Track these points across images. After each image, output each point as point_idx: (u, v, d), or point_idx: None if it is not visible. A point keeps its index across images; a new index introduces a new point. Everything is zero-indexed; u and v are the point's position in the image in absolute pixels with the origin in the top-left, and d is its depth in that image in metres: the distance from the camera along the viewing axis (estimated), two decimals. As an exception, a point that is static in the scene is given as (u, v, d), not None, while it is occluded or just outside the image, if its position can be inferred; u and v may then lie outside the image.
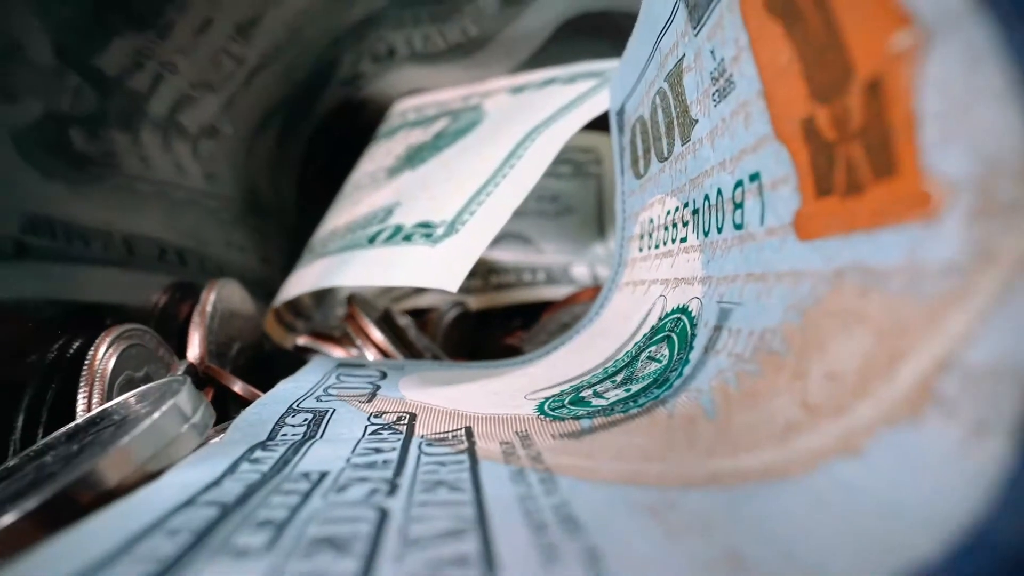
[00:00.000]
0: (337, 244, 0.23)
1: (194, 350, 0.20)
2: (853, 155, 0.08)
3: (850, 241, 0.08)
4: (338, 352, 0.22)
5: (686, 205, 0.14)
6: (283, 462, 0.10)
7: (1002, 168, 0.06)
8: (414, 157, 0.26)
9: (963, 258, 0.06)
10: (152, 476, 0.10)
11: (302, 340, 0.23)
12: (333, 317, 0.30)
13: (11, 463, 0.13)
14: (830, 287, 0.09)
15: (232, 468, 0.10)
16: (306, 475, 0.10)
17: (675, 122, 0.14)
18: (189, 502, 0.09)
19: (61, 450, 0.12)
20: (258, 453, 0.11)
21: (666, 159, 0.16)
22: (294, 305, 0.27)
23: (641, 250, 0.18)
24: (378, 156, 0.29)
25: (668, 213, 0.16)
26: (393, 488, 0.09)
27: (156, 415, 0.11)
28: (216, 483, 0.09)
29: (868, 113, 0.08)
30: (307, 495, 0.09)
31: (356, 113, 0.34)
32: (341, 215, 0.26)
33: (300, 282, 0.23)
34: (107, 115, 0.22)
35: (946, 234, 0.07)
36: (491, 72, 0.31)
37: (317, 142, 0.34)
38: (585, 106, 0.22)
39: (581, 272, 0.30)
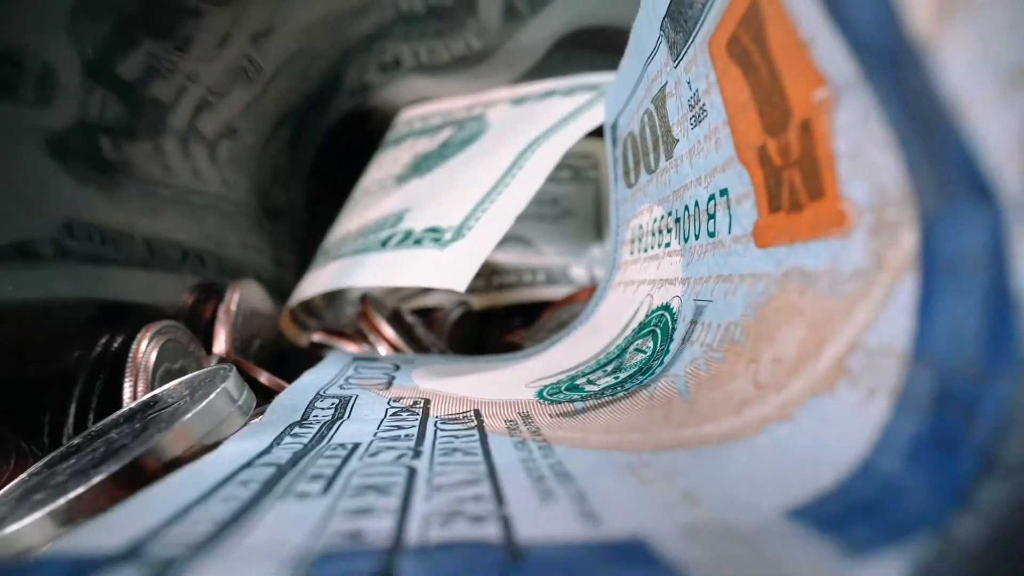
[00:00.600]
0: (351, 247, 0.25)
1: (220, 345, 0.22)
2: (794, 180, 0.10)
3: (793, 249, 0.10)
4: (351, 347, 0.24)
5: (670, 214, 0.16)
6: (319, 436, 0.12)
7: (889, 198, 0.08)
8: (421, 166, 0.28)
9: (865, 265, 0.08)
10: (207, 449, 0.12)
11: (317, 337, 0.25)
12: (343, 316, 0.32)
13: (75, 442, 0.15)
14: (778, 287, 0.11)
15: (277, 440, 0.12)
16: (342, 445, 0.12)
17: (660, 140, 0.16)
18: (248, 464, 0.11)
19: (124, 429, 0.14)
20: (296, 430, 0.13)
21: (653, 172, 0.18)
22: (307, 305, 0.29)
23: (632, 253, 0.20)
24: (386, 164, 0.31)
25: (655, 220, 0.18)
26: (417, 454, 0.11)
27: (211, 397, 0.13)
28: (267, 451, 0.11)
29: (803, 147, 0.10)
30: (346, 459, 0.11)
31: (363, 121, 0.36)
32: (353, 220, 0.28)
33: (316, 283, 0.25)
34: (132, 124, 0.24)
35: (855, 246, 0.09)
36: (493, 83, 0.33)
37: (326, 149, 0.36)
38: (582, 119, 0.24)
39: (579, 273, 0.32)
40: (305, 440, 0.12)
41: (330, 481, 0.09)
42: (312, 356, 0.26)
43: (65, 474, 0.12)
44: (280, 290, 0.30)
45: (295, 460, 0.11)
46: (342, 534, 0.07)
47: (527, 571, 0.06)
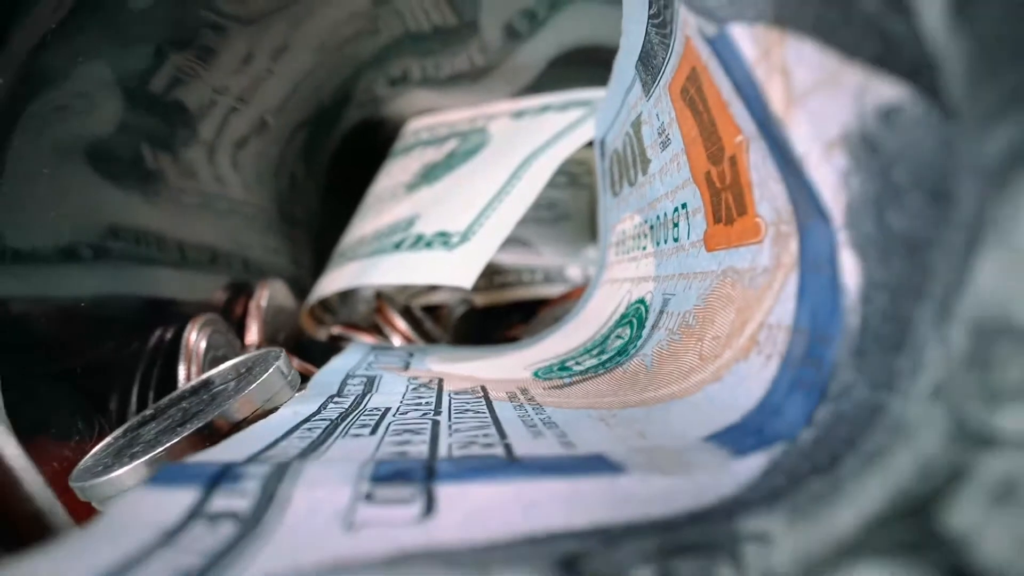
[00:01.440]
0: (366, 249, 0.29)
1: (252, 336, 0.25)
2: (728, 199, 0.13)
3: (728, 253, 0.14)
4: (367, 339, 0.28)
5: (646, 221, 0.20)
6: (356, 403, 0.16)
7: (782, 216, 0.11)
8: (429, 175, 0.31)
9: (770, 264, 0.12)
10: (266, 414, 0.16)
11: (336, 330, 0.28)
12: (356, 313, 0.35)
13: (147, 413, 0.18)
14: (718, 281, 0.14)
15: (323, 406, 0.15)
16: (376, 408, 0.15)
17: (638, 158, 0.20)
18: (306, 420, 0.14)
19: (192, 400, 0.17)
20: (336, 400, 0.16)
21: (633, 185, 0.21)
22: (324, 302, 0.32)
23: (616, 255, 0.23)
24: (395, 172, 0.35)
25: (635, 227, 0.21)
26: (437, 413, 0.14)
27: (268, 373, 0.16)
28: (316, 413, 0.15)
29: (732, 176, 0.13)
30: (382, 416, 0.14)
31: (373, 131, 0.40)
32: (367, 224, 0.31)
33: (335, 281, 0.29)
34: (168, 134, 0.28)
35: (764, 251, 0.12)
36: (495, 96, 0.36)
37: (339, 157, 0.40)
38: (575, 134, 0.27)
39: (575, 273, 0.36)
40: (345, 406, 0.15)
41: (374, 428, 0.13)
42: (329, 348, 0.29)
43: (152, 434, 0.16)
44: (299, 288, 0.33)
45: (341, 419, 0.14)
46: (391, 453, 0.11)
47: (522, 466, 0.09)
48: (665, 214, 0.18)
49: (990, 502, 0.06)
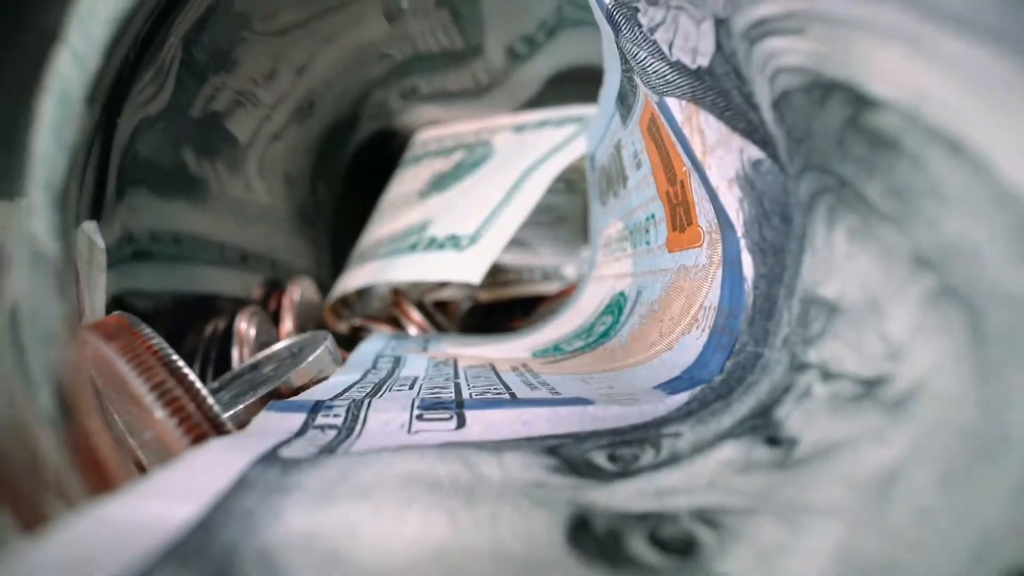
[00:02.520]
0: (384, 250, 0.33)
1: (287, 326, 0.30)
2: (680, 212, 0.18)
3: (682, 253, 0.18)
4: (386, 330, 0.32)
5: (626, 227, 0.24)
6: (390, 374, 0.20)
7: (712, 227, 0.16)
8: (439, 184, 0.36)
9: (706, 262, 0.16)
10: (317, 382, 0.20)
11: (358, 322, 0.33)
12: (371, 307, 0.39)
13: (214, 385, 0.23)
14: (675, 276, 0.18)
15: (363, 376, 0.20)
16: (407, 376, 0.19)
17: (620, 175, 0.24)
18: (353, 384, 0.18)
19: (254, 374, 0.22)
20: (372, 371, 0.21)
21: (617, 196, 0.26)
22: (343, 298, 0.37)
23: (604, 256, 0.28)
24: (407, 180, 0.39)
25: (618, 232, 0.26)
26: (456, 378, 0.19)
27: (319, 350, 0.20)
28: (360, 380, 0.19)
29: (682, 195, 0.17)
30: (414, 381, 0.19)
31: (385, 141, 0.44)
32: (382, 228, 0.36)
33: (356, 279, 0.33)
34: (207, 145, 0.32)
35: (703, 252, 0.16)
36: (497, 110, 0.41)
37: (354, 165, 0.44)
38: (569, 148, 0.32)
39: (570, 271, 0.40)
40: (381, 375, 0.20)
41: (411, 386, 0.17)
42: (350, 339, 0.34)
43: (226, 399, 0.20)
44: (320, 286, 0.38)
45: (382, 382, 0.19)
46: (429, 397, 0.15)
47: (521, 401, 0.14)
48: (639, 222, 0.22)
49: (798, 399, 0.11)
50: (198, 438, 0.11)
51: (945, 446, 0.07)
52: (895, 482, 0.08)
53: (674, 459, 0.11)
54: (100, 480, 0.09)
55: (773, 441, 0.10)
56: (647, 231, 0.21)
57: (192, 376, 0.12)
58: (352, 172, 0.44)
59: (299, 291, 0.31)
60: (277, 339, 0.29)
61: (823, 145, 0.10)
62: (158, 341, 0.13)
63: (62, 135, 0.08)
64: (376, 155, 0.44)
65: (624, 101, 0.21)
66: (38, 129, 0.08)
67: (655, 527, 0.09)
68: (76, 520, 0.07)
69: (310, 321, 0.33)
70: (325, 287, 0.38)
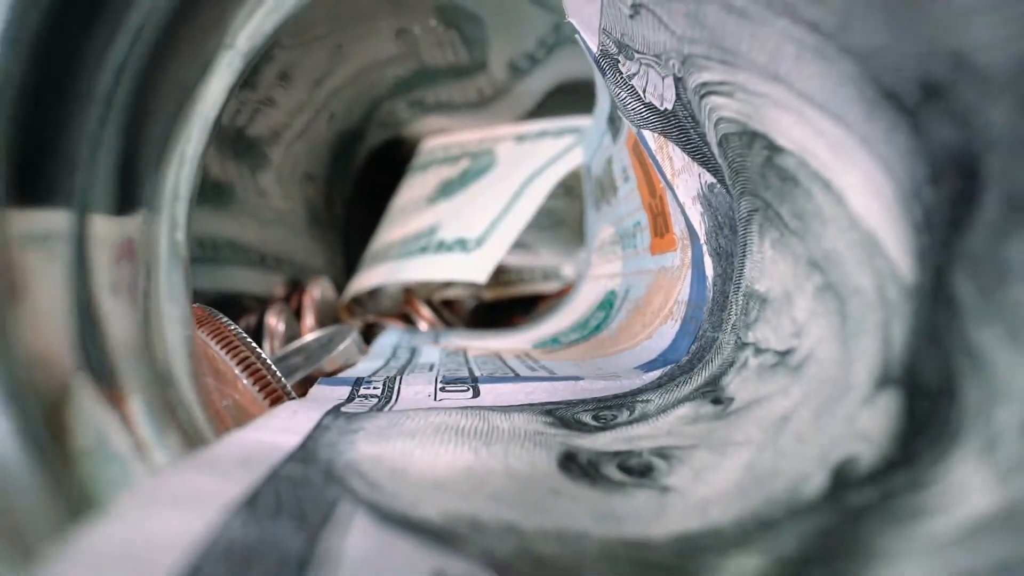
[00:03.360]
0: (396, 252, 0.37)
1: (309, 322, 0.33)
2: (659, 221, 0.21)
3: (662, 256, 0.22)
4: (398, 325, 0.36)
5: (617, 232, 0.28)
6: (409, 360, 0.24)
7: (684, 233, 0.19)
8: (446, 190, 0.39)
9: (680, 264, 0.20)
10: (346, 367, 0.24)
11: (372, 318, 0.36)
12: (381, 306, 0.43)
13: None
14: (656, 276, 0.22)
15: (386, 363, 0.23)
16: (425, 362, 0.23)
17: (611, 185, 0.28)
18: (379, 368, 0.22)
19: (288, 362, 0.25)
20: (393, 359, 0.24)
21: (609, 204, 0.29)
22: (355, 297, 0.40)
23: (598, 257, 0.31)
24: (415, 186, 0.43)
25: (611, 236, 0.29)
26: (467, 363, 0.22)
27: (347, 340, 0.24)
28: (384, 366, 0.23)
29: (660, 207, 0.21)
30: (432, 366, 0.22)
31: (394, 148, 0.48)
32: (393, 231, 0.39)
33: (369, 279, 0.37)
34: (231, 152, 0.36)
35: (678, 255, 0.20)
36: (500, 119, 0.44)
37: (364, 171, 0.48)
38: (567, 158, 0.35)
39: (569, 271, 0.44)
40: (401, 362, 0.23)
41: (430, 368, 0.21)
42: (363, 335, 0.37)
43: (266, 383, 0.24)
44: (334, 285, 0.41)
45: (403, 368, 0.22)
46: (447, 375, 0.19)
47: (524, 378, 0.17)
48: (628, 228, 0.26)
49: (738, 370, 0.14)
50: (274, 401, 0.15)
51: (819, 393, 0.11)
52: (788, 420, 0.11)
53: (643, 417, 0.14)
54: (217, 420, 0.12)
55: (716, 401, 0.14)
56: (634, 236, 0.25)
57: (265, 354, 0.16)
58: (363, 178, 0.48)
59: (319, 290, 0.34)
60: (300, 334, 0.32)
61: (752, 176, 0.13)
62: (235, 327, 0.16)
63: (196, 149, 0.11)
64: (385, 161, 0.48)
65: (613, 123, 0.25)
66: (187, 145, 0.11)
67: (623, 459, 0.12)
68: (225, 440, 0.10)
69: (327, 317, 0.36)
70: (339, 286, 0.41)
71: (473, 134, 0.44)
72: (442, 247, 0.33)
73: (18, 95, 0.06)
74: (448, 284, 0.42)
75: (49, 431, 0.07)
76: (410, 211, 0.40)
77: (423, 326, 0.34)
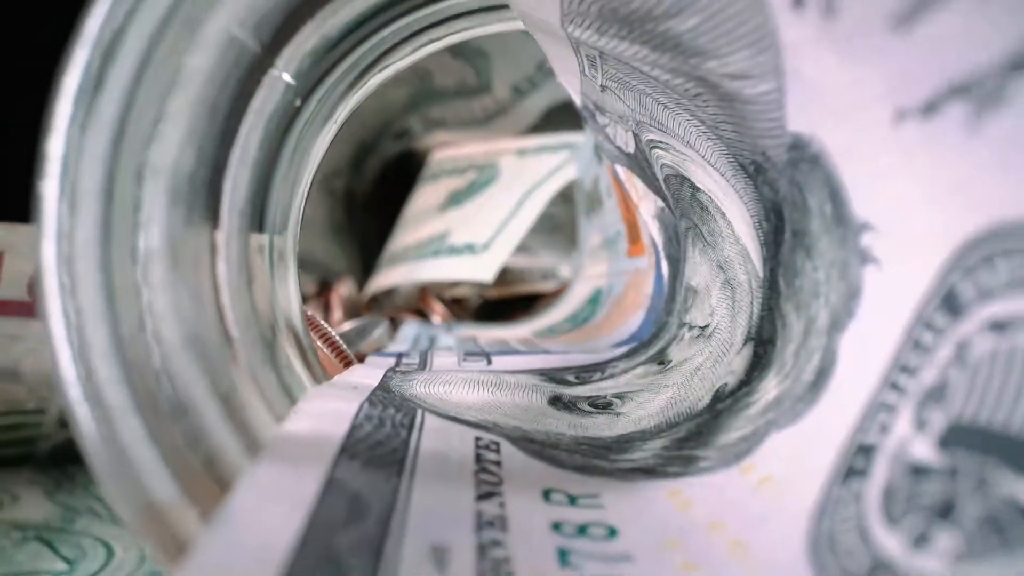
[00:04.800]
0: (410, 255, 0.43)
1: (337, 315, 0.40)
2: (635, 231, 0.28)
3: (636, 259, 0.28)
4: (414, 319, 0.42)
5: (603, 239, 0.34)
6: (429, 345, 0.30)
7: (653, 242, 0.26)
8: (455, 200, 0.46)
9: (647, 266, 0.26)
10: (378, 351, 0.30)
11: (390, 313, 0.43)
12: (394, 304, 0.49)
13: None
14: (631, 276, 0.28)
15: (412, 347, 0.30)
16: (444, 347, 0.29)
17: (598, 199, 0.34)
18: (408, 351, 0.28)
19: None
20: (417, 344, 0.31)
21: (597, 214, 0.36)
22: (374, 295, 0.47)
23: (589, 261, 0.38)
24: (426, 195, 0.49)
25: (599, 242, 0.36)
26: (480, 346, 0.29)
27: (381, 329, 0.30)
28: (408, 352, 0.29)
29: (633, 219, 0.27)
30: (451, 347, 0.28)
31: (405, 160, 0.54)
32: (407, 236, 0.46)
33: (387, 278, 0.43)
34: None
35: (646, 259, 0.26)
36: (503, 134, 0.51)
37: (377, 180, 0.54)
38: (563, 172, 0.42)
39: (566, 271, 0.50)
40: (424, 347, 0.30)
41: (452, 349, 0.27)
42: (383, 328, 0.44)
43: (313, 363, 0.30)
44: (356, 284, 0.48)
45: (426, 351, 0.29)
46: (466, 353, 0.25)
47: (524, 352, 0.24)
48: (612, 236, 0.32)
49: (677, 342, 0.20)
50: (346, 366, 0.21)
51: (717, 350, 0.17)
52: (699, 369, 0.18)
53: (611, 376, 0.21)
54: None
55: (661, 363, 0.20)
56: (616, 243, 0.31)
57: (334, 333, 0.22)
58: (377, 187, 0.54)
59: (345, 288, 0.41)
60: (331, 326, 0.38)
61: (684, 205, 0.19)
62: (311, 313, 0.22)
63: (305, 192, 0.18)
64: (398, 172, 0.54)
65: (598, 150, 0.31)
66: (301, 192, 0.17)
67: (593, 400, 0.19)
68: (335, 379, 0.17)
69: (351, 312, 0.43)
70: (358, 285, 0.48)
71: (478, 148, 0.51)
72: (453, 251, 0.40)
73: (253, 178, 0.13)
74: (456, 283, 0.48)
75: (272, 360, 0.13)
76: (423, 218, 0.47)
77: (436, 320, 0.41)
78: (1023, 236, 0.08)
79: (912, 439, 0.09)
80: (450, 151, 0.52)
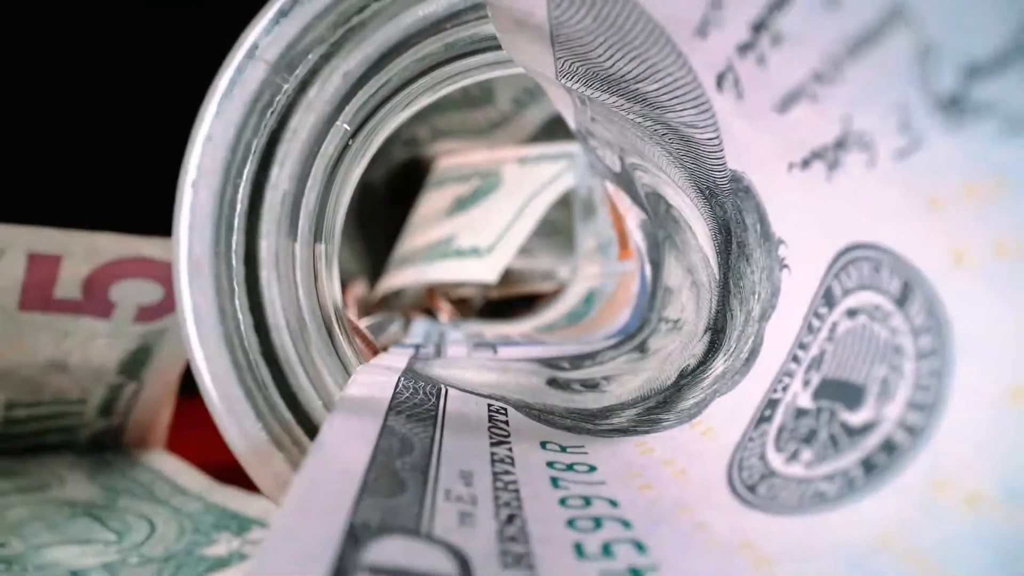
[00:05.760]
0: (419, 257, 0.47)
1: (353, 311, 0.44)
2: (623, 238, 0.32)
3: (625, 262, 0.32)
4: (422, 316, 0.46)
5: (597, 243, 0.39)
6: (439, 339, 0.35)
7: (637, 248, 0.30)
8: (460, 205, 0.50)
9: (634, 268, 0.30)
10: (396, 342, 0.34)
11: (401, 311, 0.47)
12: (405, 302, 0.53)
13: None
14: (621, 276, 0.33)
15: (426, 341, 0.34)
16: (452, 340, 0.34)
17: (592, 207, 0.39)
18: (422, 343, 0.33)
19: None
20: (428, 338, 0.35)
21: (592, 220, 0.40)
22: (384, 296, 0.51)
23: (584, 262, 0.42)
24: (433, 200, 0.54)
25: (593, 245, 0.40)
26: (486, 340, 0.33)
27: (396, 325, 0.35)
28: (423, 344, 0.33)
29: (622, 227, 0.32)
30: (461, 341, 0.33)
31: (412, 166, 0.58)
32: (416, 239, 0.50)
33: (398, 279, 0.47)
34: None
35: (633, 262, 0.31)
36: (504, 143, 0.55)
37: (386, 186, 0.58)
38: (561, 181, 0.46)
39: (564, 272, 0.54)
40: (435, 341, 0.34)
41: (462, 342, 0.32)
42: (393, 325, 0.48)
43: (336, 355, 0.34)
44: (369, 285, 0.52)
45: (439, 342, 0.33)
46: (475, 345, 0.29)
47: (524, 344, 0.28)
48: (604, 241, 0.37)
49: (655, 334, 0.25)
50: (374, 353, 0.25)
51: (684, 339, 0.21)
52: (670, 355, 0.22)
53: (600, 363, 0.25)
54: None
55: (641, 351, 0.24)
56: (608, 247, 0.36)
57: (363, 326, 0.26)
58: (386, 192, 0.58)
59: (359, 288, 0.45)
60: (347, 323, 0.43)
61: (660, 218, 0.24)
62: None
63: (344, 210, 0.22)
64: (405, 178, 0.58)
65: (590, 168, 0.35)
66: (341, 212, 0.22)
67: (584, 382, 0.23)
68: (373, 360, 0.21)
69: (363, 311, 0.47)
70: (369, 285, 0.52)
71: (481, 156, 0.55)
72: (459, 253, 0.44)
73: (317, 201, 0.17)
74: (460, 284, 0.52)
75: (331, 343, 0.17)
76: (430, 222, 0.51)
77: (444, 318, 0.45)
78: (865, 252, 0.12)
79: (800, 393, 0.13)
80: (455, 159, 0.57)
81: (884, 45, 0.08)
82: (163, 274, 0.33)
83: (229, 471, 0.34)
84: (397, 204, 0.59)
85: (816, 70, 0.10)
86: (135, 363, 0.37)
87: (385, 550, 0.10)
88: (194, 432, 0.42)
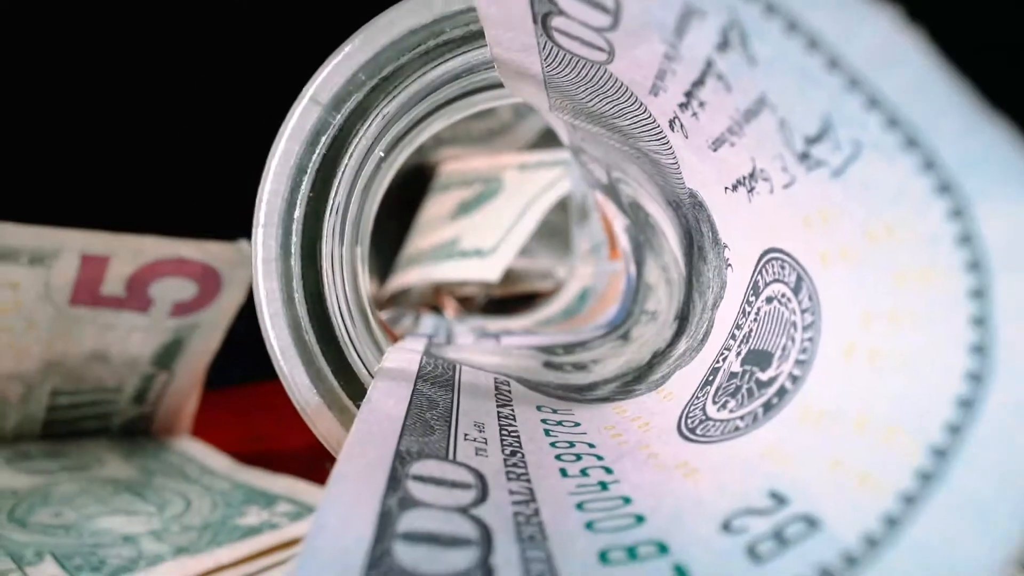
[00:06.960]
0: (425, 258, 0.52)
1: (364, 311, 0.49)
2: (613, 240, 0.37)
3: (615, 262, 0.37)
4: (430, 313, 0.51)
5: (591, 245, 0.43)
6: (448, 331, 0.39)
7: (623, 250, 0.35)
8: (464, 209, 0.55)
9: (621, 269, 0.35)
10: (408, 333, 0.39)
11: (409, 308, 0.52)
12: (411, 300, 0.58)
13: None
14: (610, 276, 0.38)
15: (436, 332, 0.39)
16: (460, 331, 0.38)
17: (586, 212, 0.43)
18: (432, 334, 0.37)
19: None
20: (437, 332, 0.40)
21: (587, 223, 0.45)
22: (392, 294, 0.56)
23: (579, 263, 0.47)
24: (437, 204, 0.58)
25: (587, 248, 0.45)
26: (489, 332, 0.38)
27: (408, 319, 0.39)
28: (434, 335, 0.38)
29: (611, 231, 0.36)
30: (467, 332, 0.37)
31: (417, 172, 0.63)
32: (422, 241, 0.55)
33: (405, 278, 0.52)
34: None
35: (622, 263, 0.35)
36: (505, 150, 0.60)
37: (392, 190, 0.63)
38: (558, 187, 0.51)
39: (561, 272, 0.59)
40: (443, 333, 0.39)
41: (468, 333, 0.36)
42: (401, 322, 0.53)
43: (353, 347, 0.39)
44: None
45: (448, 334, 0.38)
46: (479, 336, 0.34)
47: (523, 335, 0.33)
48: (597, 243, 0.41)
49: (637, 324, 0.29)
50: (395, 340, 0.30)
51: (657, 327, 0.26)
52: (647, 341, 0.26)
53: (588, 349, 0.30)
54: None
55: (624, 339, 0.29)
56: (600, 249, 0.40)
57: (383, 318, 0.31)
58: (392, 196, 0.63)
59: (371, 287, 0.50)
60: (359, 319, 0.47)
61: (640, 224, 0.28)
62: (364, 303, 0.31)
63: (372, 216, 0.27)
64: (410, 182, 0.63)
65: (584, 178, 0.40)
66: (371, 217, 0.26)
67: (574, 364, 0.27)
68: (399, 342, 0.25)
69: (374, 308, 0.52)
70: (378, 284, 0.57)
71: (483, 162, 0.60)
72: (463, 254, 0.49)
73: (357, 210, 0.22)
74: (465, 283, 0.57)
75: (368, 328, 0.22)
76: (435, 225, 0.56)
77: (449, 314, 0.50)
78: (776, 254, 0.17)
79: (733, 362, 0.18)
80: (458, 164, 0.61)
81: (761, 118, 0.13)
82: (198, 273, 0.38)
83: (246, 458, 0.39)
84: (403, 207, 0.63)
85: (729, 126, 0.15)
86: (167, 355, 0.42)
87: (425, 467, 0.15)
88: (215, 422, 0.47)
